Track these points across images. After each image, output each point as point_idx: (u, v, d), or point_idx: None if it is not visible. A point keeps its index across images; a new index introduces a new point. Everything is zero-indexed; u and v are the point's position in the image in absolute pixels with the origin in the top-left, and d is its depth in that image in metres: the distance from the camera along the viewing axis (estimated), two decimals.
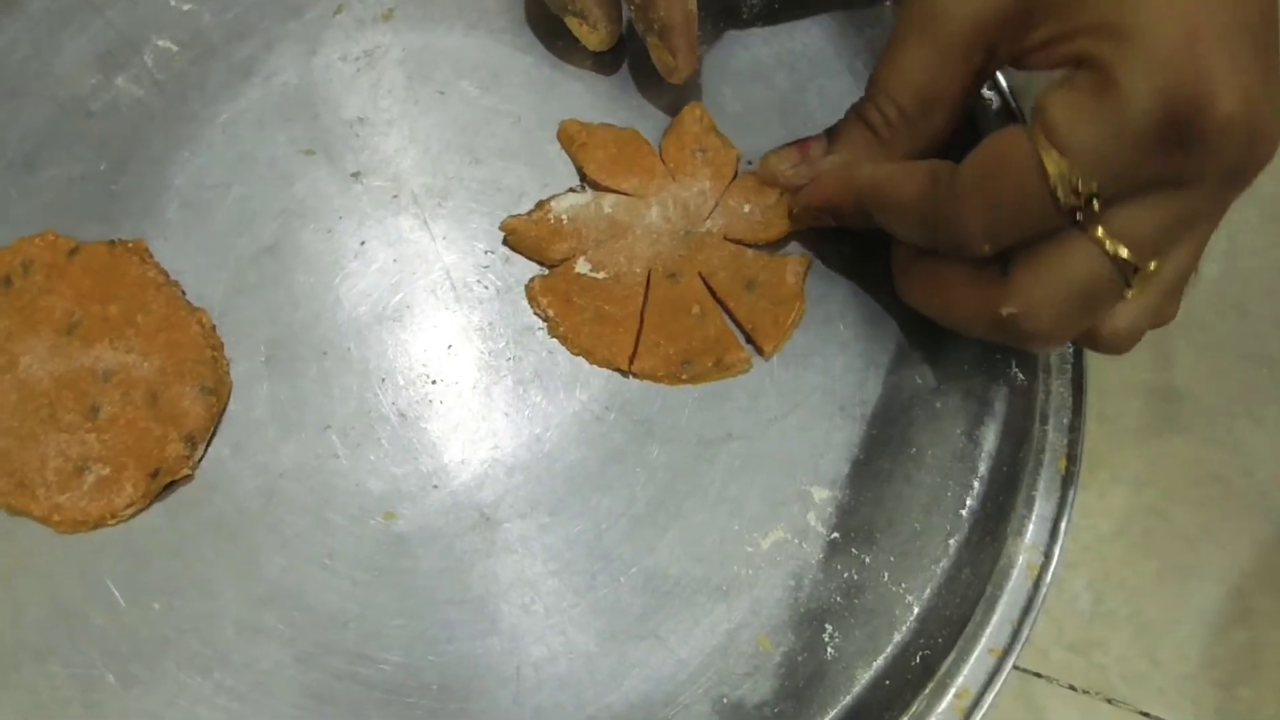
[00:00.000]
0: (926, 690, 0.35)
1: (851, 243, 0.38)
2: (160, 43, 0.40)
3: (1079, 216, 0.29)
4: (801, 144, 0.37)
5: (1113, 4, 0.29)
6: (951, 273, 0.33)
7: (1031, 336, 0.32)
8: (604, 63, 0.41)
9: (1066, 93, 0.29)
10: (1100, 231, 0.29)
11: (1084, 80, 0.29)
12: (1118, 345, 0.33)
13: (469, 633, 0.33)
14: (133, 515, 0.34)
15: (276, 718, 0.32)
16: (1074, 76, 0.29)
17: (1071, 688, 0.38)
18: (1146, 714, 0.38)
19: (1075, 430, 0.39)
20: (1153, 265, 0.30)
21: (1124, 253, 0.30)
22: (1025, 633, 0.36)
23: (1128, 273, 0.30)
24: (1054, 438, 0.39)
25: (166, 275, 0.36)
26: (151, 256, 0.36)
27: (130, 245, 0.36)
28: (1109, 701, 0.38)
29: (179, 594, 0.33)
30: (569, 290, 0.37)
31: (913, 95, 0.34)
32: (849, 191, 0.36)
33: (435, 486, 0.35)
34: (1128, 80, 0.28)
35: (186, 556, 0.33)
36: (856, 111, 0.36)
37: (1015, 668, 0.36)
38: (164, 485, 0.34)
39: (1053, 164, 0.28)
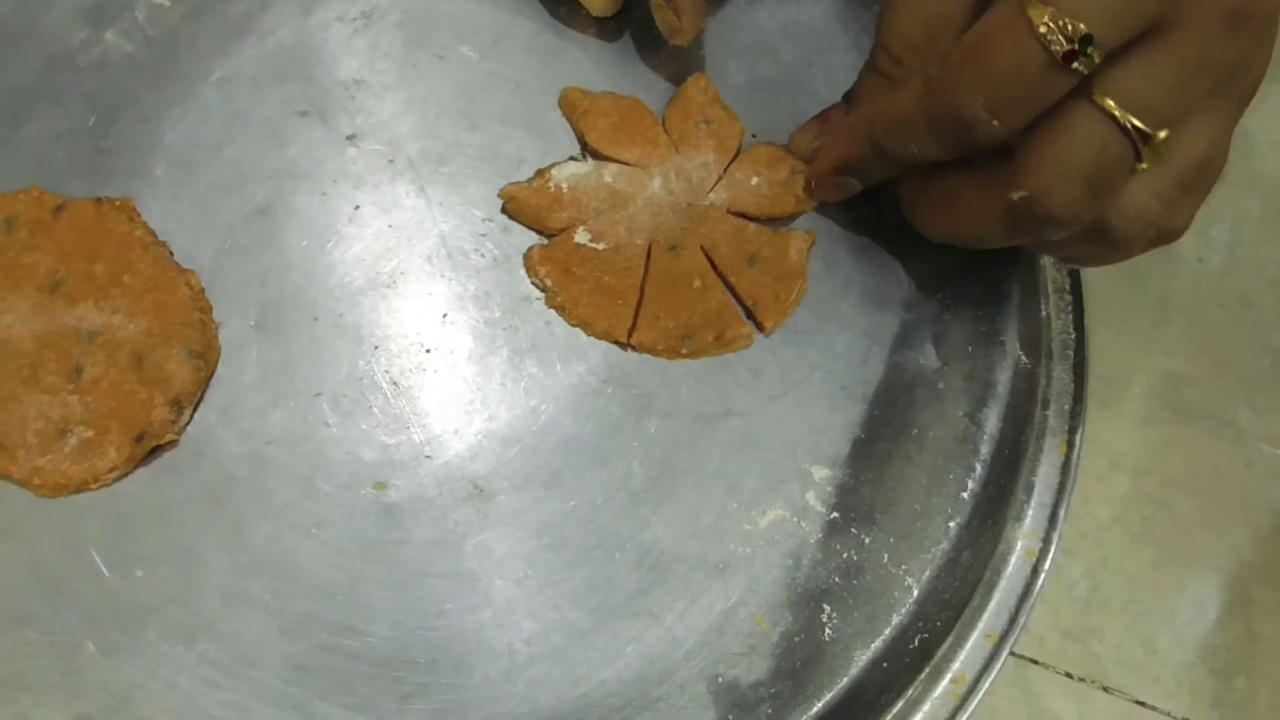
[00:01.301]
0: (923, 674, 0.34)
1: (856, 219, 0.38)
2: None
3: (1078, 67, 0.28)
4: (822, 115, 0.37)
5: None
6: (960, 180, 0.33)
7: (1047, 220, 0.30)
8: (607, 29, 0.40)
9: None
10: (1105, 98, 0.29)
11: None
12: (1128, 233, 0.32)
13: (460, 606, 0.32)
14: (116, 480, 0.33)
15: (260, 689, 0.31)
16: None
17: (1068, 675, 0.38)
18: (1142, 702, 0.37)
19: (1076, 416, 0.39)
20: (1162, 134, 0.29)
21: (1132, 120, 0.29)
22: (1022, 619, 0.35)
23: (1138, 142, 0.29)
24: (1054, 423, 0.39)
25: (154, 235, 0.35)
26: (139, 215, 0.35)
27: (118, 203, 0.35)
28: (1104, 689, 0.37)
29: (162, 561, 0.32)
30: (568, 260, 0.36)
31: (919, 26, 0.33)
32: (860, 136, 0.35)
33: (428, 457, 0.34)
34: None
35: (171, 523, 0.33)
36: (867, 65, 0.36)
37: (1011, 654, 0.35)
38: (149, 450, 0.33)
39: (1038, 14, 0.27)
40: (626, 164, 0.37)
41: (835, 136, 0.36)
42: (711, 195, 0.37)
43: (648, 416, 0.35)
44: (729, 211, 0.37)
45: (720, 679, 0.32)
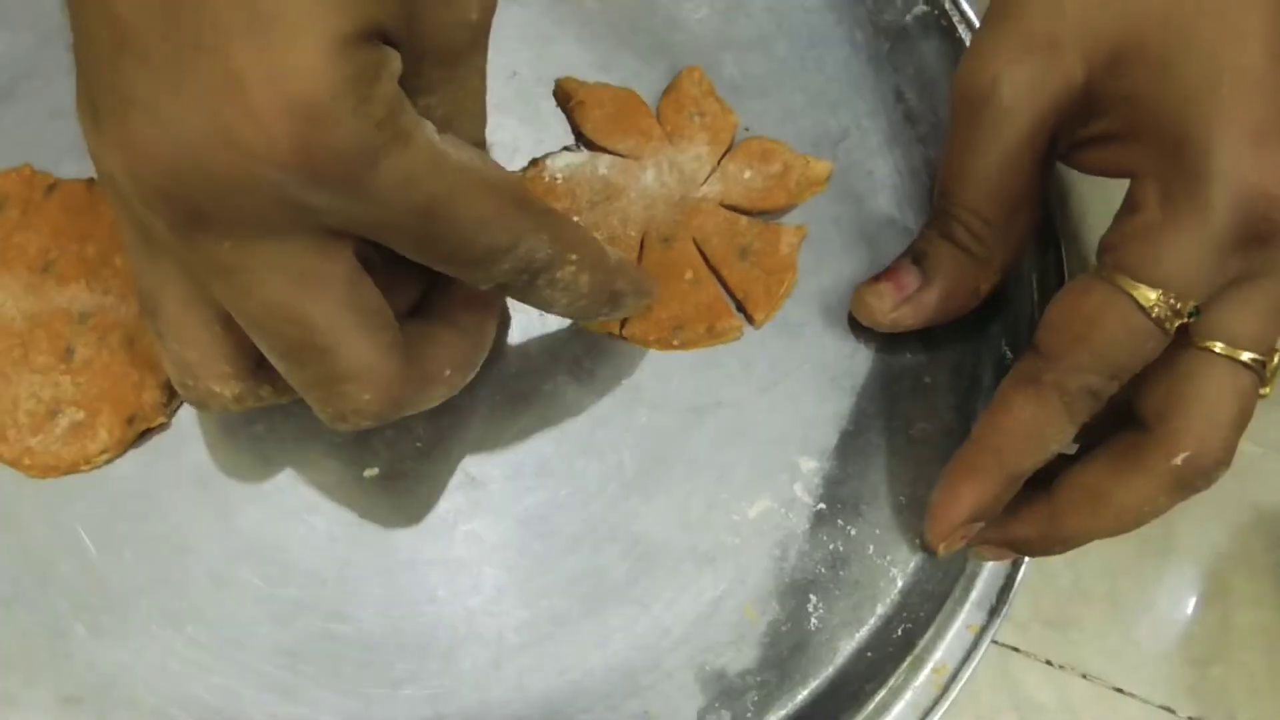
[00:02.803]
0: (906, 663, 0.35)
1: (847, 215, 0.38)
2: None
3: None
4: (894, 276, 0.35)
5: (1171, 110, 0.29)
6: (1101, 477, 0.31)
7: (1215, 468, 0.30)
8: (602, 19, 0.40)
9: (1135, 222, 0.29)
10: (1218, 346, 0.30)
11: (1149, 200, 0.29)
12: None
13: (450, 593, 0.33)
14: (106, 462, 0.33)
15: (249, 673, 0.31)
16: (1137, 200, 0.29)
17: (1048, 663, 0.38)
18: (1120, 690, 0.38)
19: None
20: (1276, 359, 0.31)
21: (1246, 355, 0.30)
22: (1004, 609, 0.36)
23: (1258, 370, 0.30)
24: None
25: None
26: None
27: None
28: (1084, 677, 0.38)
29: (152, 545, 0.32)
30: None
31: (996, 202, 0.33)
32: (992, 472, 0.32)
33: (419, 444, 0.34)
34: (1200, 195, 0.28)
35: (161, 507, 0.33)
36: (940, 232, 0.35)
37: (993, 642, 0.36)
38: (140, 432, 0.33)
39: (1148, 297, 0.28)
40: (620, 155, 0.37)
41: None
42: (704, 188, 0.37)
43: (638, 408, 0.35)
44: (721, 204, 0.37)
45: (707, 667, 0.33)
